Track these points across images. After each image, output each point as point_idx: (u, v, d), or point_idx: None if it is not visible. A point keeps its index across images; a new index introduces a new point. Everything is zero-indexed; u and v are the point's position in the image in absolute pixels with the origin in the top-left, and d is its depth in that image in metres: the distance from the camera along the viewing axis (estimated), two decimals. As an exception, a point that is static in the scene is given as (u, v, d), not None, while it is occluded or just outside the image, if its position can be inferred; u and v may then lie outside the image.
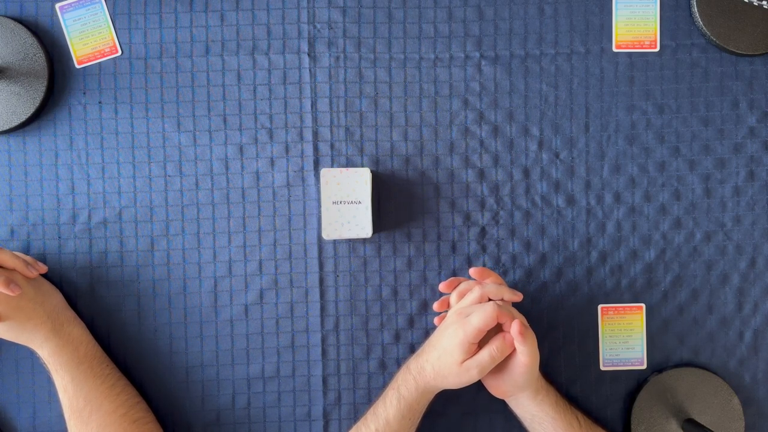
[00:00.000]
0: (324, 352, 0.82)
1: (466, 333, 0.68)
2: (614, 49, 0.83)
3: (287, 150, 0.82)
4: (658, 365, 0.82)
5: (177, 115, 0.82)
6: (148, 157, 0.82)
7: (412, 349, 0.82)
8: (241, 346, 0.82)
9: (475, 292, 0.71)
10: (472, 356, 0.69)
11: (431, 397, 0.73)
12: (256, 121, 0.82)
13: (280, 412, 0.82)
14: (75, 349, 0.76)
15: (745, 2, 0.81)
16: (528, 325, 0.70)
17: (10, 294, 0.71)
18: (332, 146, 0.82)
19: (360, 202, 0.76)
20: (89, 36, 0.82)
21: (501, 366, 0.71)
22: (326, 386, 0.82)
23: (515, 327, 0.67)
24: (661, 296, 0.83)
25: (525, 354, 0.68)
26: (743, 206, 0.83)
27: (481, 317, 0.67)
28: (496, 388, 0.73)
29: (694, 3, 0.82)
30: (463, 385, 0.70)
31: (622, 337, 0.82)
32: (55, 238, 0.81)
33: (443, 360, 0.69)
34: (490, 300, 0.71)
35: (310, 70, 0.82)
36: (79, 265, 0.81)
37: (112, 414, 0.74)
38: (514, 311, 0.71)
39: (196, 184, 0.82)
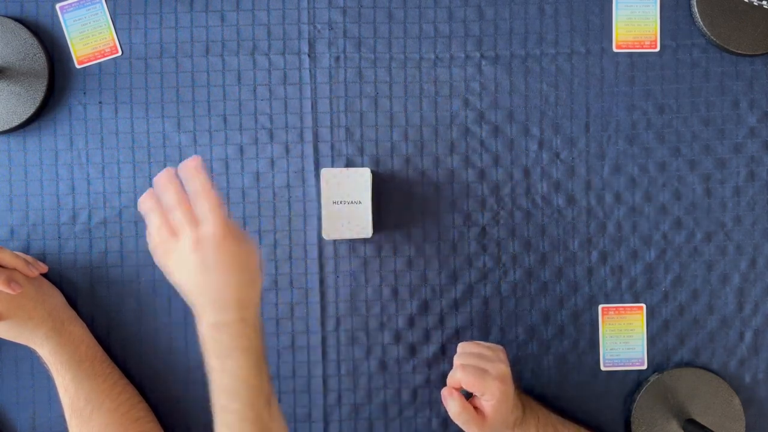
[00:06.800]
0: (324, 353, 0.82)
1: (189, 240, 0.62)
2: (614, 49, 0.83)
3: (287, 150, 0.82)
4: (658, 365, 0.82)
5: (177, 116, 0.82)
6: (148, 157, 0.82)
7: (413, 349, 0.82)
8: (241, 346, 0.81)
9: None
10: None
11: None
12: (256, 122, 0.82)
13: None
14: (76, 347, 0.75)
15: (746, 2, 0.81)
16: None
17: (11, 292, 0.71)
18: (332, 146, 0.82)
19: (360, 202, 0.76)
20: (89, 36, 0.82)
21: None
22: (326, 387, 0.82)
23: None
24: (661, 296, 0.82)
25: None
26: (743, 206, 0.83)
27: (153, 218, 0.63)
28: None
29: (695, 3, 0.82)
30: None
31: (623, 338, 0.82)
32: (55, 238, 0.81)
33: (230, 271, 0.61)
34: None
35: (310, 71, 0.82)
36: (79, 265, 0.81)
37: (113, 413, 0.74)
38: None
39: (197, 184, 0.82)
